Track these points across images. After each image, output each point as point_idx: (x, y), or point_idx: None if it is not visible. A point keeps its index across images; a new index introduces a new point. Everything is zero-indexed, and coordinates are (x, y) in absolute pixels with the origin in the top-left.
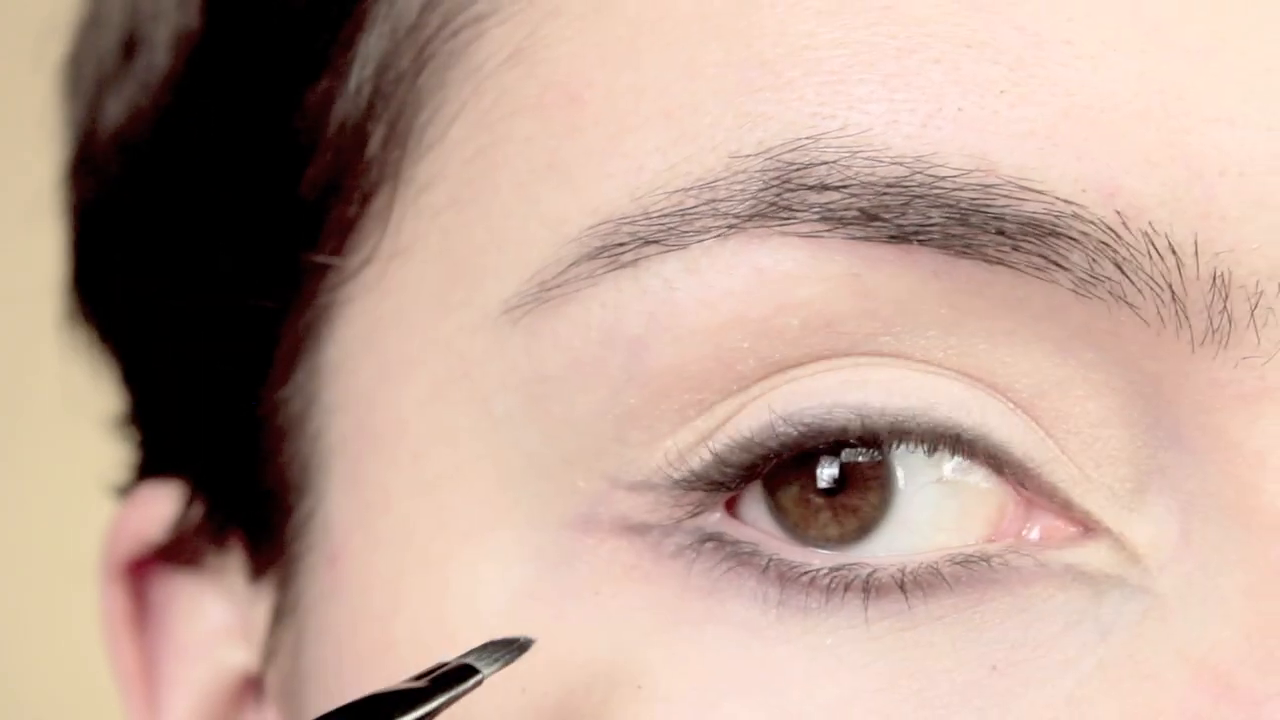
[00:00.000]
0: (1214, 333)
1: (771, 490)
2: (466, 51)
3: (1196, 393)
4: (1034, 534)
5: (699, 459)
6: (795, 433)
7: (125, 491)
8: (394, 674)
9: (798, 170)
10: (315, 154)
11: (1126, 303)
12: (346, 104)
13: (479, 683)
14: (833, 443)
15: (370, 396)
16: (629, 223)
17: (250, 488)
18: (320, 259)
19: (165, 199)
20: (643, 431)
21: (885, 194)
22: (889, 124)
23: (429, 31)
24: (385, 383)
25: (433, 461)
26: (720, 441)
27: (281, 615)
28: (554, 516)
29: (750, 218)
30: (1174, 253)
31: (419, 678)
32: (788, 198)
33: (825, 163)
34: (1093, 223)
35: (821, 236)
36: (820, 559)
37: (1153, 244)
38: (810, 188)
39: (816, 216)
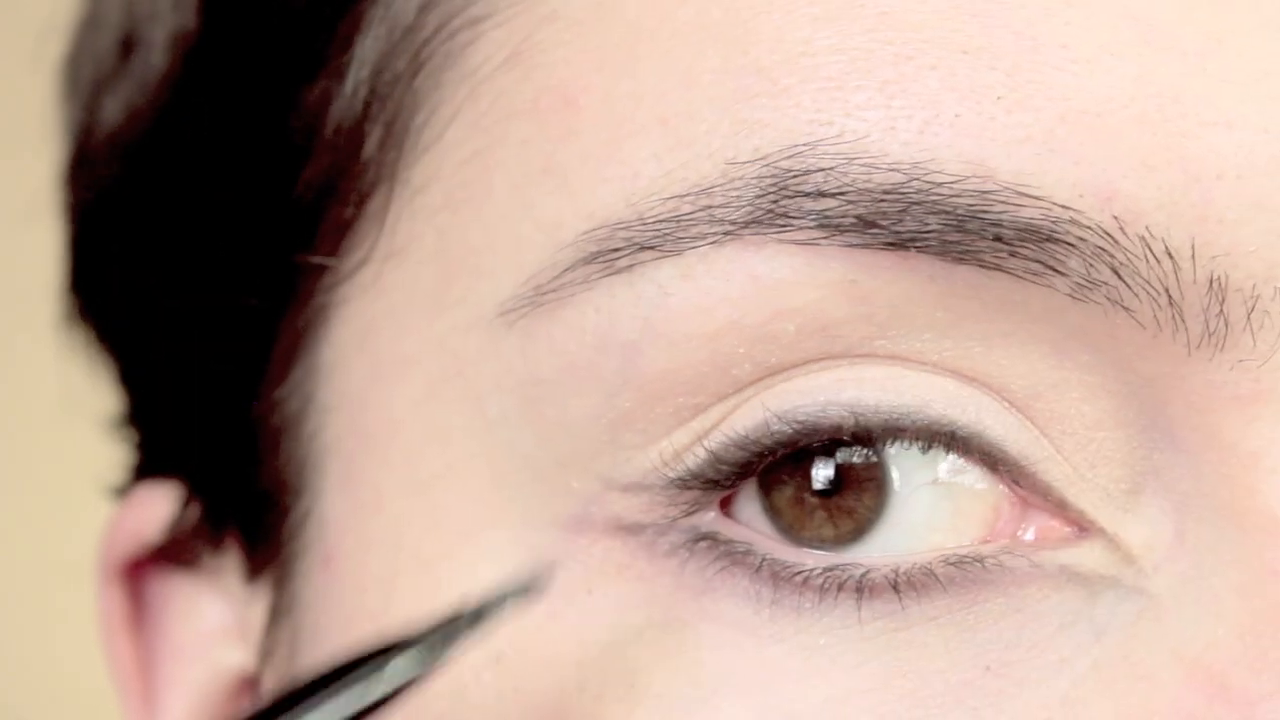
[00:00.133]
0: (1210, 336)
1: (766, 491)
2: (463, 54)
3: (1192, 395)
4: (1029, 535)
5: (694, 457)
6: (790, 430)
7: (122, 492)
8: None
9: (794, 177)
10: (311, 155)
11: (1123, 306)
12: (343, 105)
13: (483, 621)
14: (827, 442)
15: (364, 396)
16: (624, 228)
17: (247, 488)
18: (316, 260)
19: (162, 199)
20: (637, 434)
21: (882, 201)
22: (886, 130)
23: (426, 33)
24: (379, 383)
25: (426, 461)
26: (715, 440)
27: (278, 615)
28: (547, 517)
29: (746, 225)
30: (1171, 257)
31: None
32: (784, 205)
33: (822, 169)
34: (1090, 228)
35: (818, 243)
36: (814, 559)
37: (1150, 248)
38: (807, 195)
39: (813, 224)
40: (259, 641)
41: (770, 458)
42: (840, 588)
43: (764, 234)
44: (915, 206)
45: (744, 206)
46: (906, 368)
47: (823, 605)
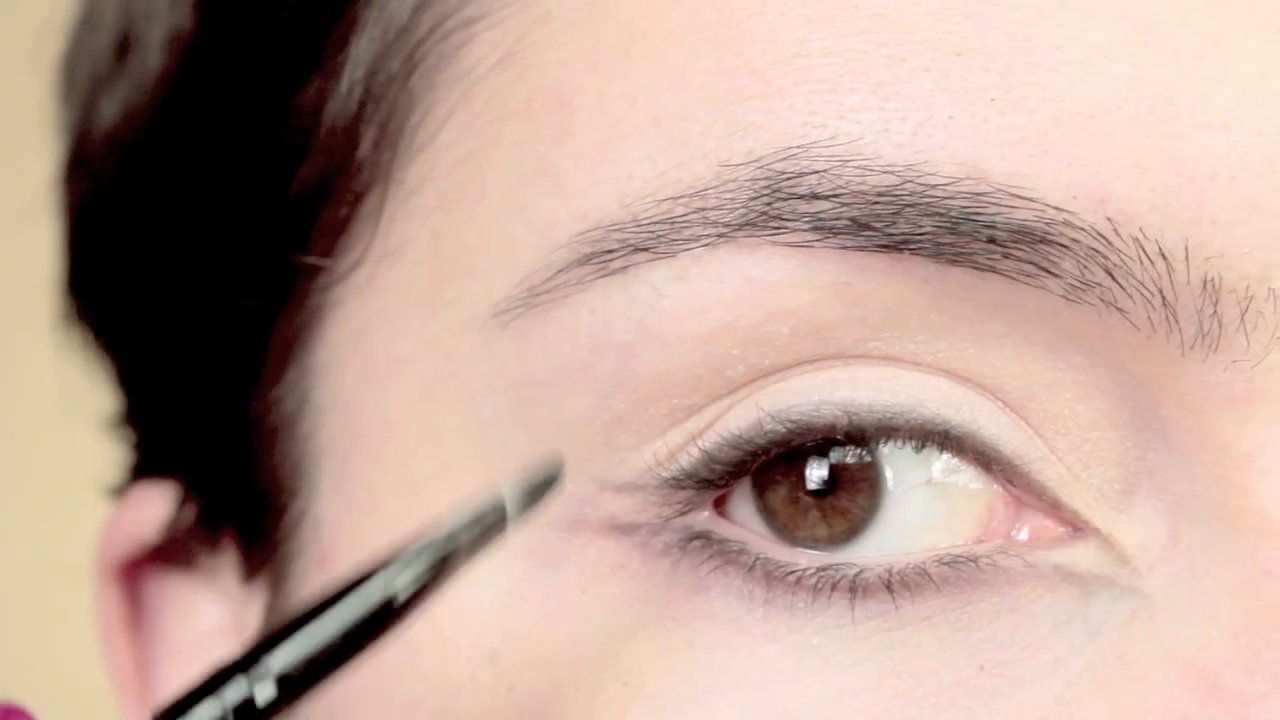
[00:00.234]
0: (1204, 336)
1: (760, 491)
2: (457, 54)
3: (1186, 395)
4: (1023, 535)
5: (688, 457)
6: (783, 429)
7: (120, 492)
8: (381, 672)
9: (788, 179)
10: (306, 155)
11: (1117, 308)
12: (337, 105)
13: (503, 518)
14: (821, 441)
15: (359, 397)
16: (618, 230)
17: (243, 488)
18: (311, 260)
19: (158, 199)
20: (631, 435)
21: (876, 203)
22: (880, 132)
23: (420, 34)
24: (374, 383)
25: (420, 462)
26: (709, 440)
27: (274, 615)
28: (541, 517)
29: (740, 227)
30: (1164, 258)
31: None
32: (778, 207)
33: (816, 172)
34: (1084, 229)
35: (812, 246)
36: (807, 559)
37: (1143, 250)
38: (801, 197)
39: (807, 226)
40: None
41: (764, 457)
42: (834, 587)
43: (758, 236)
44: (909, 209)
45: (738, 208)
46: (900, 368)
47: (816, 605)
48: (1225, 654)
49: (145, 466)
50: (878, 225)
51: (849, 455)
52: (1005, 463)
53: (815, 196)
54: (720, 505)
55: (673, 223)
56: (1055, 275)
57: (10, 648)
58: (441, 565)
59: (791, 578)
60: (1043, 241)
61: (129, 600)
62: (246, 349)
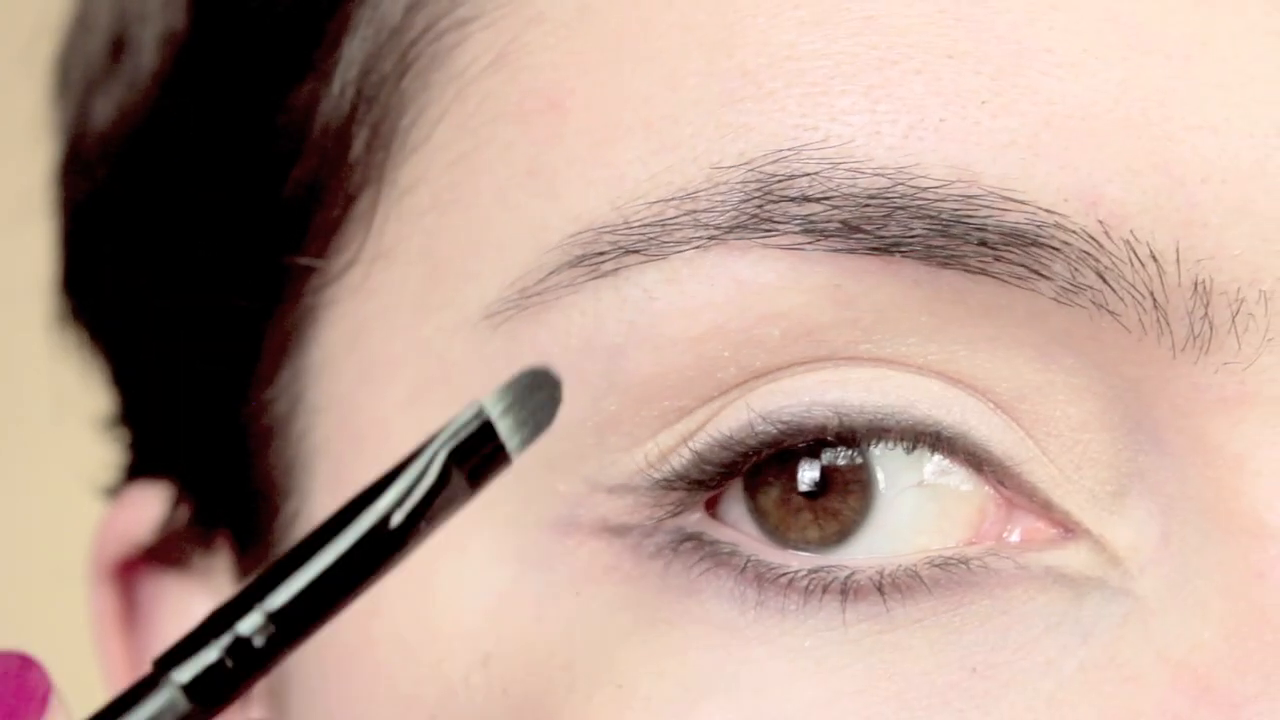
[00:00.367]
0: (1195, 339)
1: (752, 493)
2: (450, 55)
3: (1177, 397)
4: (1014, 536)
5: (679, 459)
6: (774, 430)
7: (115, 492)
8: (375, 673)
9: (779, 182)
10: (300, 156)
11: (1108, 310)
12: (330, 106)
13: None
14: (812, 443)
15: (353, 397)
16: (609, 232)
17: (237, 489)
18: (304, 261)
19: (152, 199)
20: (623, 436)
21: (867, 206)
22: (871, 135)
23: (413, 34)
24: (367, 384)
25: None
26: (700, 441)
27: None
28: (533, 519)
29: (731, 229)
30: (1155, 260)
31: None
32: (769, 209)
33: (807, 174)
34: (1075, 232)
35: (803, 248)
36: (799, 561)
37: (1134, 252)
38: (792, 199)
39: (798, 229)
40: None
41: (755, 458)
42: (825, 590)
43: (749, 239)
44: (900, 211)
45: (729, 211)
46: (891, 369)
47: (808, 607)
48: (1217, 655)
49: (140, 466)
50: (869, 228)
51: (840, 457)
52: (997, 464)
53: (806, 199)
54: (712, 507)
55: (664, 225)
56: (1047, 278)
57: (6, 647)
58: (435, 487)
59: (783, 580)
60: (1034, 244)
61: (124, 600)
62: (240, 349)
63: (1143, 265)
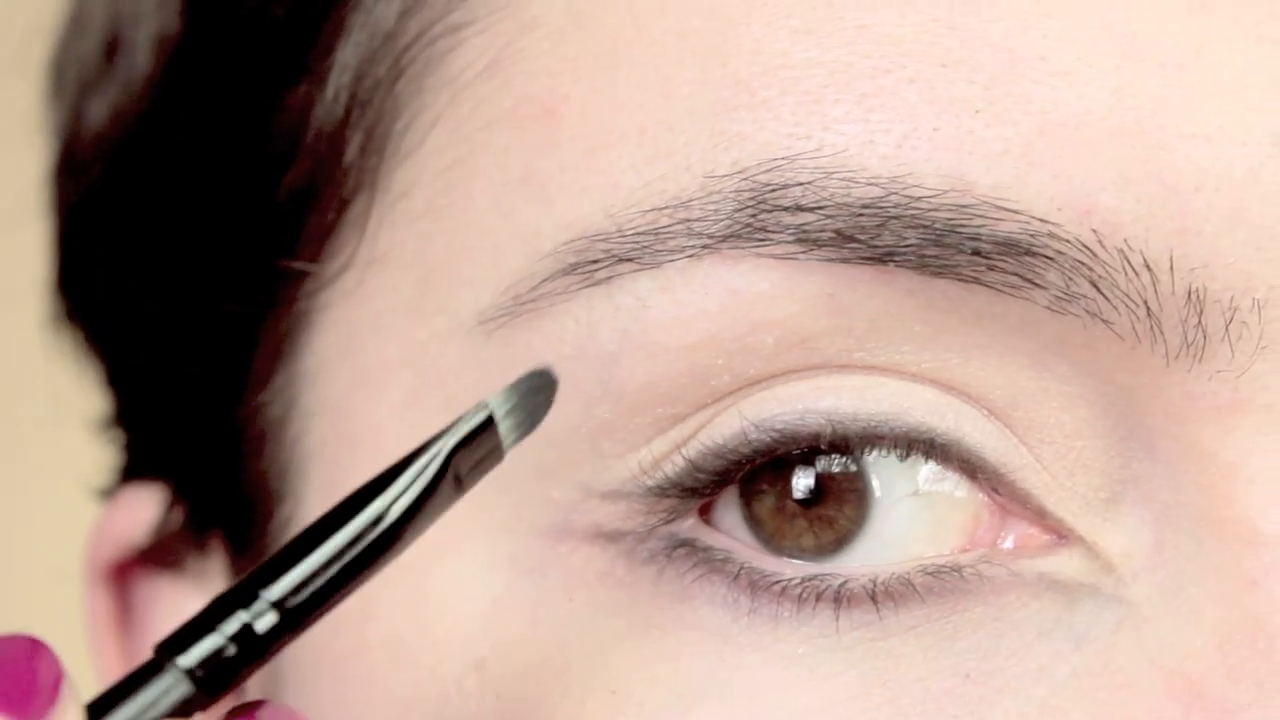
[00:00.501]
0: (1188, 347)
1: (748, 501)
2: (444, 60)
3: (1171, 405)
4: (1008, 543)
5: (672, 465)
6: (768, 439)
7: (109, 494)
8: (370, 676)
9: (773, 191)
10: (293, 160)
11: (1102, 319)
12: (324, 110)
13: (489, 420)
14: (807, 450)
15: (347, 402)
16: (603, 239)
17: (230, 492)
18: (298, 265)
19: (146, 201)
20: (616, 443)
21: (861, 215)
22: (865, 144)
23: (407, 39)
24: (362, 388)
25: None
26: (694, 448)
27: None
28: (527, 525)
29: (725, 238)
30: (1149, 269)
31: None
32: (763, 219)
33: (800, 184)
34: (1069, 241)
35: (796, 258)
36: (793, 569)
37: (1128, 261)
38: (785, 209)
39: (792, 238)
40: None
41: (749, 466)
42: (818, 597)
43: (742, 248)
44: (893, 221)
45: (722, 220)
46: (885, 377)
47: (801, 615)
48: (1209, 662)
49: (134, 468)
50: (862, 237)
51: (835, 464)
52: (990, 471)
53: (800, 208)
54: (706, 513)
55: (657, 233)
56: (1040, 287)
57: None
58: (433, 481)
59: (776, 587)
60: (1028, 253)
61: (118, 601)
62: (234, 353)
63: (1136, 274)
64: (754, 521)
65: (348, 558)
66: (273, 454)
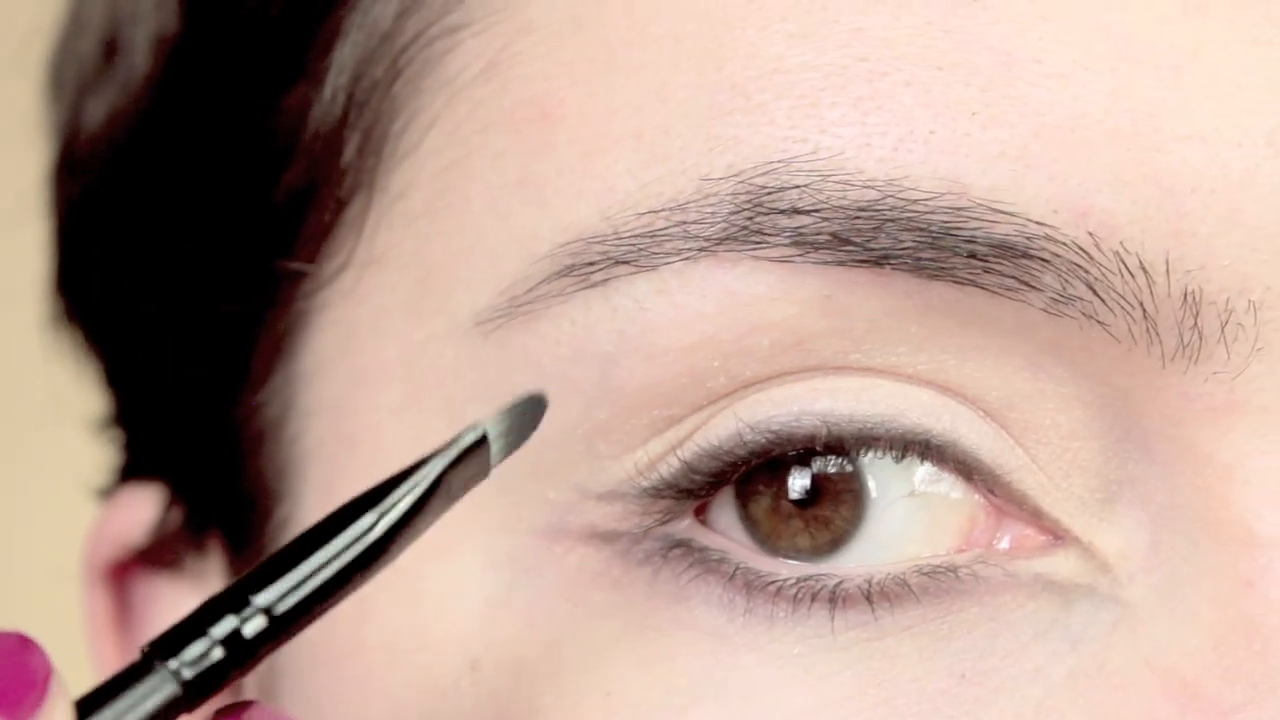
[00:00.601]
0: (1184, 348)
1: (744, 502)
2: (441, 61)
3: (1167, 406)
4: (1004, 544)
5: (667, 467)
6: (763, 440)
7: (108, 494)
8: (367, 676)
9: (769, 194)
10: (291, 160)
11: (1098, 321)
12: (322, 111)
13: (482, 439)
14: (802, 451)
15: (344, 402)
16: (599, 242)
17: (229, 492)
18: (295, 266)
19: (144, 202)
20: (613, 444)
21: (857, 218)
22: (861, 147)
23: (404, 40)
24: (359, 389)
25: None
26: (689, 450)
27: None
28: (523, 525)
29: (721, 241)
30: (1145, 271)
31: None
32: (759, 221)
33: (796, 186)
34: (1065, 244)
35: (793, 260)
36: (788, 569)
37: (1124, 263)
38: (781, 211)
39: (788, 241)
40: None
41: (744, 467)
42: (814, 598)
43: (739, 251)
44: (890, 223)
45: (719, 223)
46: (881, 379)
47: (796, 615)
48: (1204, 663)
49: (133, 468)
50: (858, 240)
51: (831, 465)
52: (986, 472)
53: (796, 211)
54: (702, 513)
55: (654, 236)
56: (1036, 289)
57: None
58: (423, 497)
59: (772, 588)
60: (1024, 256)
61: (116, 601)
62: (232, 353)
63: (1132, 276)
64: (750, 522)
65: (337, 567)
66: (271, 454)
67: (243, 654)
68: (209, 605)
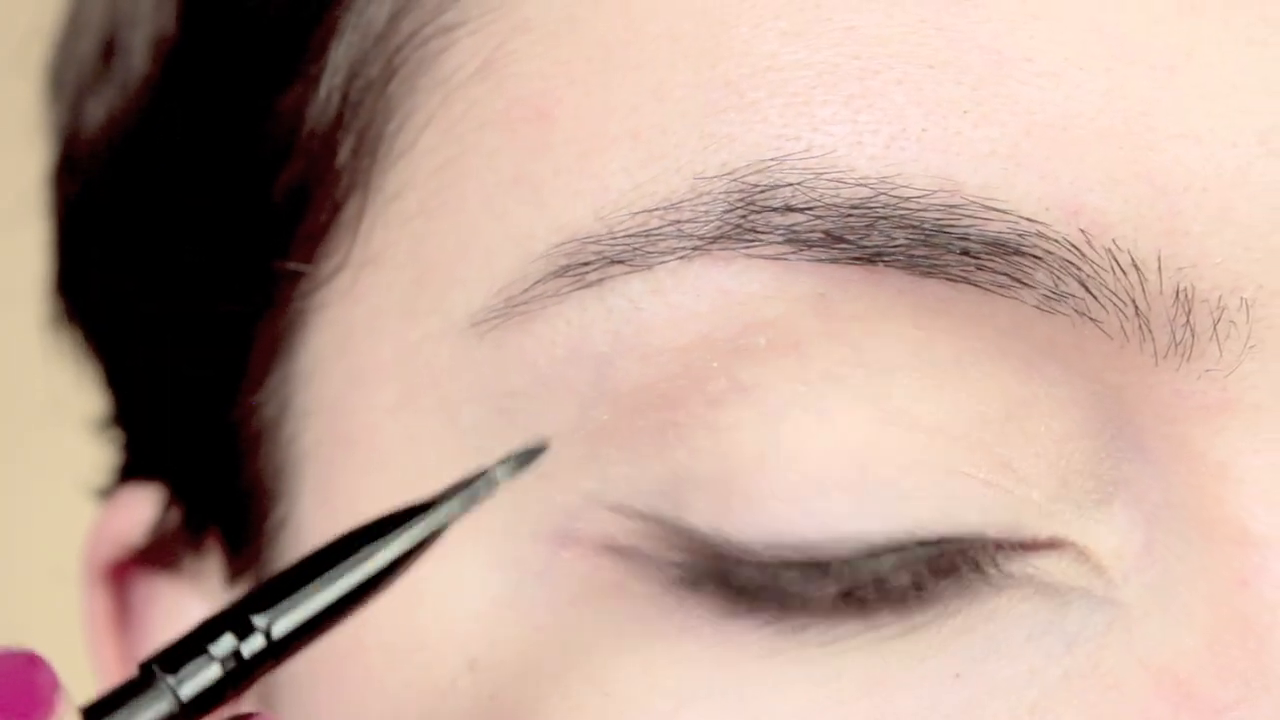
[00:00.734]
0: (1177, 346)
1: None
2: (436, 61)
3: (1159, 405)
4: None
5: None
6: None
7: (107, 494)
8: (366, 676)
9: (762, 192)
10: (287, 161)
11: (1090, 318)
12: (317, 111)
13: (493, 485)
14: None
15: (341, 403)
16: (594, 242)
17: (227, 492)
18: (292, 266)
19: (142, 202)
20: (621, 450)
21: (850, 216)
22: (853, 145)
23: (399, 40)
24: (356, 389)
25: (401, 468)
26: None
27: None
28: (527, 529)
29: (715, 239)
30: (1137, 269)
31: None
32: (752, 219)
33: (789, 184)
34: (1057, 241)
35: (787, 258)
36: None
37: (1116, 261)
38: (775, 209)
39: (781, 239)
40: None
41: None
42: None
43: (732, 249)
44: (882, 221)
45: (712, 221)
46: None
47: (795, 617)
48: (1199, 662)
49: (132, 468)
50: (851, 238)
51: None
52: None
53: (789, 209)
54: None
55: (648, 235)
56: (1029, 286)
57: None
58: (429, 538)
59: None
60: (1016, 253)
61: (116, 602)
62: (229, 353)
63: (1125, 273)
64: None
65: (339, 593)
66: (268, 454)
67: (241, 673)
68: (210, 623)
